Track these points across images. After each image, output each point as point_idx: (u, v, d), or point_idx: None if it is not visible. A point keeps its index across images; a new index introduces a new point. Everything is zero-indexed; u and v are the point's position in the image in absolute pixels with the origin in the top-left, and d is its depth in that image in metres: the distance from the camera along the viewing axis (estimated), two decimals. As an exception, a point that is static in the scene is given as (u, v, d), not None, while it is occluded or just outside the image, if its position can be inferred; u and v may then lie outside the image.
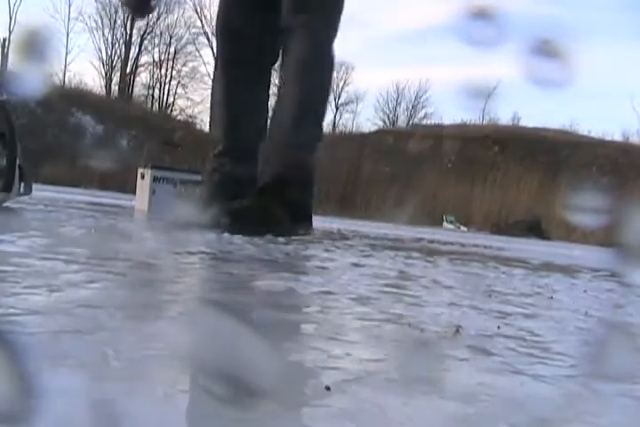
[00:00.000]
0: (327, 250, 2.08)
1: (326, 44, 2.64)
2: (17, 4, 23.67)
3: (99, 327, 0.65)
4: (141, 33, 24.40)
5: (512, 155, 19.00)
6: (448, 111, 31.43)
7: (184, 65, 24.91)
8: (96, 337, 0.61)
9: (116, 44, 24.36)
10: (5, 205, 2.26)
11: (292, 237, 2.37)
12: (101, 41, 24.34)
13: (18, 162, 2.29)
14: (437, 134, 20.86)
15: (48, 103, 16.11)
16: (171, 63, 24.76)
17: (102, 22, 23.99)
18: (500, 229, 13.43)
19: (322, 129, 2.80)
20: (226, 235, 2.19)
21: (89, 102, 18.46)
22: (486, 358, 0.70)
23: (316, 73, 2.62)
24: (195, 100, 24.77)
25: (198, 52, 24.88)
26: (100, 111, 18.00)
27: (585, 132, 22.04)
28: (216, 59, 2.89)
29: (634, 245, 0.76)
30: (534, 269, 2.40)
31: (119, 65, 24.41)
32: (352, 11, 3.33)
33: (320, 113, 2.72)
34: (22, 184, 2.38)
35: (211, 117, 2.87)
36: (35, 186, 2.56)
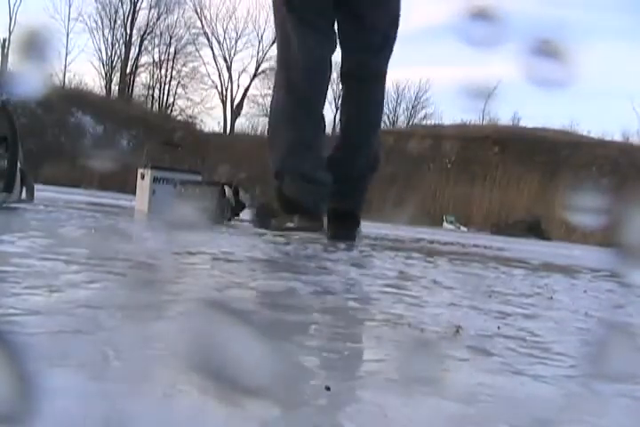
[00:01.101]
0: (327, 250, 2.08)
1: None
2: (17, 4, 23.66)
3: (99, 327, 0.65)
4: (141, 33, 24.40)
5: (512, 155, 18.99)
6: (448, 111, 31.37)
7: (184, 65, 24.92)
8: (96, 337, 0.61)
9: (116, 45, 24.36)
10: (6, 205, 2.26)
11: (293, 238, 2.40)
12: (101, 41, 24.35)
13: (20, 166, 2.29)
14: (437, 134, 20.85)
15: (48, 103, 16.11)
16: (171, 63, 24.76)
17: (102, 23, 24.00)
18: (499, 229, 13.41)
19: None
20: (225, 235, 2.19)
21: (89, 102, 18.45)
22: (486, 359, 0.70)
23: None
24: (195, 100, 24.79)
25: (198, 52, 24.90)
26: (100, 111, 17.99)
27: (585, 133, 22.05)
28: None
29: (634, 245, 0.76)
30: (534, 269, 2.40)
31: (119, 65, 24.40)
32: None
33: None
34: (24, 189, 2.37)
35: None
36: (35, 186, 2.56)
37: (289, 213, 2.61)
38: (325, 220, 2.70)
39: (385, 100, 3.15)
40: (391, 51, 2.92)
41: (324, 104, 2.83)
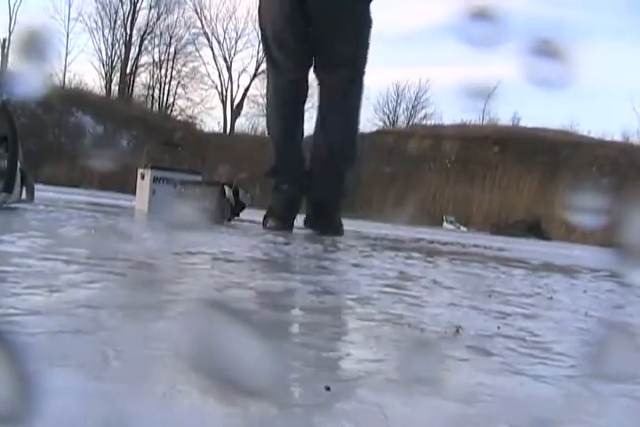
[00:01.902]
0: (327, 250, 2.08)
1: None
2: (17, 4, 23.58)
3: (99, 327, 0.65)
4: (141, 33, 24.37)
5: (512, 155, 18.95)
6: (448, 111, 31.32)
7: (184, 65, 24.88)
8: (96, 337, 0.61)
9: (116, 45, 24.33)
10: (6, 205, 2.26)
11: (292, 237, 2.42)
12: (101, 41, 24.30)
13: (20, 166, 2.28)
14: (437, 134, 20.83)
15: (48, 103, 16.09)
16: (171, 63, 24.73)
17: (102, 23, 23.94)
18: (499, 229, 13.38)
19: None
20: (225, 235, 2.19)
21: (89, 102, 18.42)
22: (486, 359, 0.70)
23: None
24: (195, 100, 24.76)
25: (198, 52, 24.85)
26: (100, 111, 17.97)
27: (585, 133, 22.01)
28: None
29: (634, 245, 0.76)
30: (534, 269, 2.40)
31: (119, 65, 24.38)
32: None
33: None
34: (24, 189, 2.37)
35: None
36: (35, 186, 2.56)
37: (269, 216, 3.23)
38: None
39: (360, 104, 3.42)
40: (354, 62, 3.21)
41: (296, 134, 3.32)
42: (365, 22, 3.20)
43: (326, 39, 3.10)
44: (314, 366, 0.61)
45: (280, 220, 3.16)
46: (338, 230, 3.17)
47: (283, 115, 3.34)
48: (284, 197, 3.26)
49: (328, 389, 0.51)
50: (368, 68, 3.32)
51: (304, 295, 1.03)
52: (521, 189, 17.43)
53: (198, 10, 24.46)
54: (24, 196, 2.39)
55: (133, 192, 3.66)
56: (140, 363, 0.55)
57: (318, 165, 3.21)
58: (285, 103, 3.31)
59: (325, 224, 3.16)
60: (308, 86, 3.34)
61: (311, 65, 3.25)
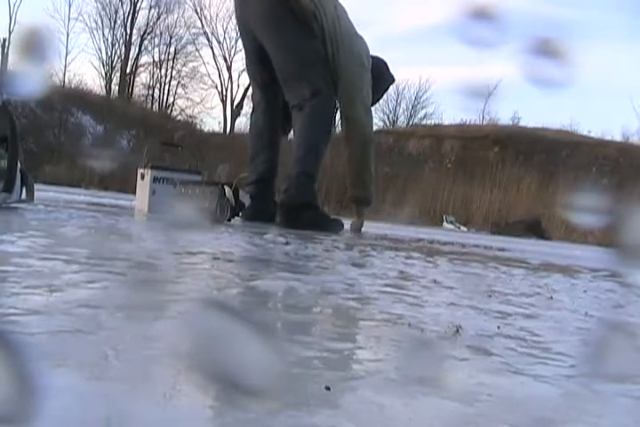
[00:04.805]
0: (327, 250, 2.08)
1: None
2: (17, 4, 23.59)
3: (99, 327, 0.65)
4: (141, 33, 24.36)
5: (512, 155, 18.95)
6: (448, 111, 31.32)
7: (184, 65, 24.87)
8: (96, 337, 0.61)
9: (116, 45, 24.30)
10: (5, 205, 2.26)
11: (292, 237, 2.43)
12: (101, 41, 24.28)
13: (20, 167, 2.28)
14: (437, 134, 20.84)
15: (48, 103, 16.09)
16: (171, 63, 24.72)
17: (102, 22, 23.92)
18: (499, 229, 13.38)
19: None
20: (225, 235, 2.19)
21: (89, 102, 18.40)
22: (486, 358, 0.70)
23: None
24: (195, 100, 24.76)
25: (198, 52, 24.85)
26: (100, 111, 17.95)
27: (585, 132, 22.00)
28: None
29: (634, 245, 0.76)
30: (534, 269, 2.40)
31: (119, 65, 24.37)
32: (353, 11, 3.60)
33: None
34: (24, 189, 2.37)
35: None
36: (35, 186, 2.56)
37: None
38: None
39: (324, 125, 3.84)
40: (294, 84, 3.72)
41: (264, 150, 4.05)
42: (305, 50, 3.77)
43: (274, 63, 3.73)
44: (314, 366, 0.61)
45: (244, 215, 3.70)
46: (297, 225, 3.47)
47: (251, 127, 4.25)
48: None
49: (328, 389, 0.51)
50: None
51: (304, 295, 1.03)
52: (521, 189, 17.42)
53: (198, 10, 24.47)
54: (24, 196, 2.39)
55: (133, 192, 3.66)
56: (140, 363, 0.55)
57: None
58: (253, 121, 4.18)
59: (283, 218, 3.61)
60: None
61: (274, 92, 3.85)
